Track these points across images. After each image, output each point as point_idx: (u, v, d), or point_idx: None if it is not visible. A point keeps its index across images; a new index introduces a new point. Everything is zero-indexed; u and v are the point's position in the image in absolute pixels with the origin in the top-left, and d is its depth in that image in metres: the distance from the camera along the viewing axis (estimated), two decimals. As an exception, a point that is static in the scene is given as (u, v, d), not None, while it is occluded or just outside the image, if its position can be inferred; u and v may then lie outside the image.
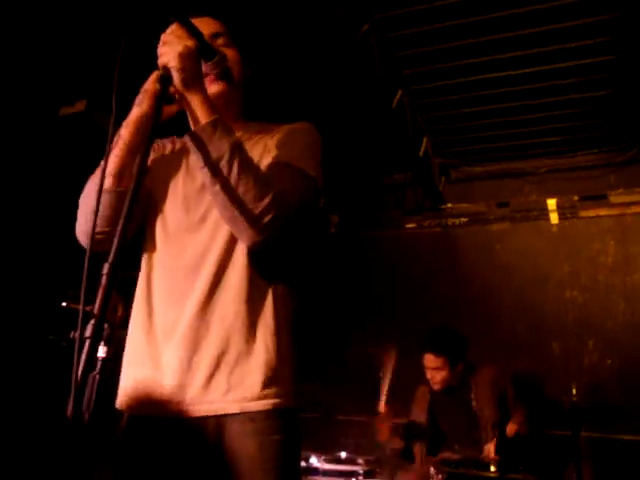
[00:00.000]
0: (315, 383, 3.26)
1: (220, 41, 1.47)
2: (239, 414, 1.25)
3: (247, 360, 1.28)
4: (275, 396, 1.28)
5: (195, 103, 1.26)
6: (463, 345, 3.48)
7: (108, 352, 0.97)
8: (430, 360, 3.41)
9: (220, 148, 1.23)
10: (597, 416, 3.51)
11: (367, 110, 3.81)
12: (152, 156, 1.52)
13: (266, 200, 1.23)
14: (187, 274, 1.33)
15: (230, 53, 1.47)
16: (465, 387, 3.41)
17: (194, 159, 1.32)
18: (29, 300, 3.30)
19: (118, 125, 1.33)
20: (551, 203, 4.71)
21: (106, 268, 0.96)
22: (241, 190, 1.22)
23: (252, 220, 1.24)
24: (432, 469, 2.87)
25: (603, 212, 4.59)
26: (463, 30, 3.42)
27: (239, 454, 1.23)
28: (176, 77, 1.22)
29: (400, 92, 3.85)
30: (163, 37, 1.25)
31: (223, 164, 1.22)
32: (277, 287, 1.36)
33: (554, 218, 4.71)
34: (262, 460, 1.23)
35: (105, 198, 1.30)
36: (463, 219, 5.00)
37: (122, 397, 1.35)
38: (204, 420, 1.25)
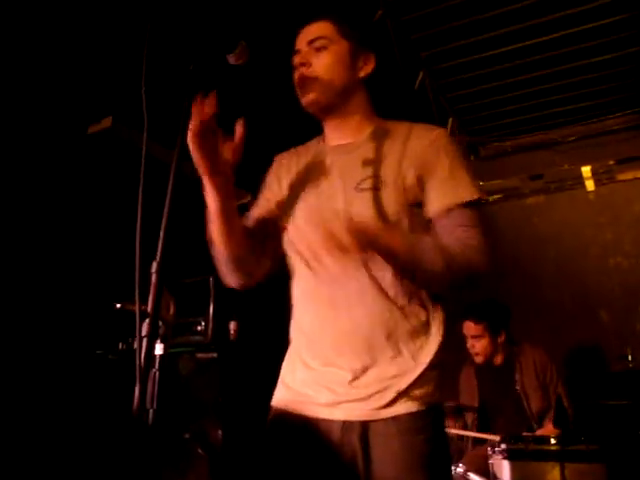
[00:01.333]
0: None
1: (316, 45, 1.44)
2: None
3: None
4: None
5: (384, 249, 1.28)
6: (504, 313, 3.43)
7: (165, 349, 1.00)
8: (470, 327, 3.36)
9: (428, 255, 1.30)
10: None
11: (390, 95, 3.78)
12: (274, 171, 1.59)
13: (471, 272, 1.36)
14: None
15: (321, 57, 1.43)
16: (509, 368, 3.34)
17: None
18: (75, 312, 3.39)
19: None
20: (586, 170, 4.61)
21: (155, 267, 0.98)
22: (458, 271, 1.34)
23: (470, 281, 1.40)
24: (489, 449, 2.83)
25: (641, 174, 4.48)
26: (477, 5, 3.38)
27: (384, 455, 1.26)
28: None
29: (421, 74, 3.83)
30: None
31: (436, 262, 1.30)
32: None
33: (590, 185, 4.61)
34: (408, 460, 1.25)
35: (229, 265, 1.43)
36: (497, 196, 4.94)
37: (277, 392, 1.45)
38: (350, 422, 1.30)
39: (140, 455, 0.93)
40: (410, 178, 1.36)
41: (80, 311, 3.42)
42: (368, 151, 1.42)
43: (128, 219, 1.15)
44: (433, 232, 1.37)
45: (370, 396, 1.28)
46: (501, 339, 3.36)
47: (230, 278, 1.47)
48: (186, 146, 1.19)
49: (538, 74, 4.03)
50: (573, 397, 3.30)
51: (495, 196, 4.94)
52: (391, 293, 1.34)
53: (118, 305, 1.04)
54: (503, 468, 2.67)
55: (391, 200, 1.35)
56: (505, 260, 4.63)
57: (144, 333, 0.95)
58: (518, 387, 3.27)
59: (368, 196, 1.36)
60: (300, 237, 1.43)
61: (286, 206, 1.49)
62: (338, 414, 1.29)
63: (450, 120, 4.43)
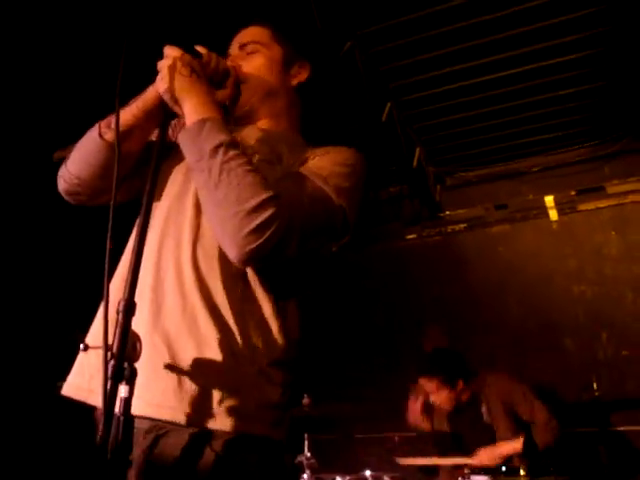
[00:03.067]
0: (333, 403, 3.23)
1: (247, 49, 1.40)
2: None
3: None
4: None
5: (185, 110, 1.17)
6: (457, 361, 3.41)
7: (129, 392, 0.95)
8: (425, 384, 3.37)
9: (202, 148, 1.11)
10: (620, 411, 3.48)
11: (357, 126, 3.83)
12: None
13: (254, 201, 1.05)
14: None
15: (251, 60, 1.38)
16: (475, 402, 3.35)
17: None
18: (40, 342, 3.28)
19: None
20: (549, 200, 4.71)
21: (122, 305, 0.95)
22: (221, 192, 1.07)
23: (233, 226, 1.06)
24: (460, 479, 2.82)
25: (601, 204, 4.60)
26: (444, 38, 3.45)
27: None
28: (163, 93, 1.19)
29: (389, 105, 3.87)
30: (158, 65, 1.21)
31: (203, 166, 1.10)
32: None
33: (553, 215, 4.71)
34: None
35: (102, 151, 1.25)
36: (462, 225, 5.00)
37: None
38: None
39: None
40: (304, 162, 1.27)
41: (43, 344, 3.31)
42: (278, 140, 1.33)
43: (98, 251, 1.11)
44: None
45: None
46: (460, 387, 3.36)
47: (75, 172, 1.28)
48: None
49: (502, 106, 4.13)
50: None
51: (461, 225, 5.01)
52: None
53: (82, 346, 0.99)
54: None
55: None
56: (471, 289, 4.68)
57: (109, 375, 0.90)
58: (486, 419, 3.28)
59: (264, 167, 1.22)
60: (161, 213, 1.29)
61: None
62: None
63: (417, 150, 4.49)
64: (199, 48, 1.26)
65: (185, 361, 1.10)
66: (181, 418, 1.06)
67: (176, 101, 1.18)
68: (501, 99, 4.04)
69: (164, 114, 1.21)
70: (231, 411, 1.08)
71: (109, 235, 0.97)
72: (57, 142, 3.48)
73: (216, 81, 1.28)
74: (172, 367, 1.10)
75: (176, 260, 1.19)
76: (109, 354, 0.93)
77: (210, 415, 1.07)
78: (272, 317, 1.17)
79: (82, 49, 2.90)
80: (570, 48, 3.55)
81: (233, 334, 1.12)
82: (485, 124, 4.35)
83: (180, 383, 1.09)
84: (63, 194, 1.35)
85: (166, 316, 1.15)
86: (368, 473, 3.20)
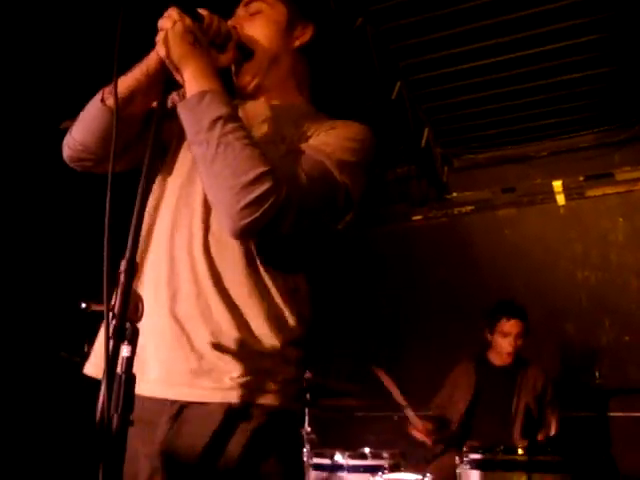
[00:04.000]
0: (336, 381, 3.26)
1: (251, 9, 1.37)
2: None
3: None
4: None
5: (185, 79, 1.16)
6: None
7: (132, 351, 0.96)
8: (517, 325, 3.45)
9: (200, 121, 1.10)
10: (621, 395, 3.49)
11: (366, 103, 3.81)
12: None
13: (250, 175, 1.05)
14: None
15: (254, 22, 1.35)
16: (513, 373, 3.45)
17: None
18: (42, 310, 3.31)
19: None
20: (557, 185, 4.68)
21: (123, 265, 0.95)
22: (218, 165, 1.07)
23: (229, 200, 1.06)
24: (457, 458, 2.84)
25: (610, 190, 4.57)
26: (456, 18, 3.42)
27: None
28: (164, 57, 1.17)
29: (399, 84, 3.85)
30: (159, 24, 1.19)
31: (201, 139, 1.09)
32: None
33: (561, 200, 4.69)
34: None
35: (106, 117, 1.23)
36: (469, 207, 4.99)
37: None
38: None
39: (103, 462, 0.90)
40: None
41: (44, 310, 3.34)
42: (286, 115, 1.32)
43: (99, 215, 1.11)
44: None
45: None
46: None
47: (79, 139, 1.28)
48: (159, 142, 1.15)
49: (513, 89, 4.09)
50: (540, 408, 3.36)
51: (467, 207, 4.99)
52: None
53: (83, 305, 0.99)
54: (471, 477, 2.68)
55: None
56: (476, 271, 4.67)
57: (110, 334, 0.91)
58: (516, 391, 3.36)
59: (269, 149, 1.20)
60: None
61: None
62: None
63: (426, 130, 4.46)
64: (201, 10, 1.24)
65: (202, 345, 1.12)
66: (208, 396, 1.09)
67: (176, 68, 1.17)
68: (511, 81, 4.00)
69: (166, 78, 1.20)
70: (254, 387, 1.10)
71: (108, 199, 0.96)
72: (65, 112, 3.48)
73: (218, 44, 1.26)
74: (190, 350, 1.12)
75: (189, 248, 1.20)
76: (111, 314, 0.94)
77: (236, 389, 1.09)
78: (283, 299, 1.18)
79: (84, 16, 2.88)
80: (581, 31, 3.51)
81: (246, 319, 1.14)
82: (494, 106, 4.31)
83: (199, 363, 1.11)
84: (68, 161, 1.35)
85: (182, 303, 1.17)
86: (367, 450, 3.24)
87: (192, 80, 1.15)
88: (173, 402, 1.12)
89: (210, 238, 1.19)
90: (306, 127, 1.28)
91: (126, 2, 1.10)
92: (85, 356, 1.27)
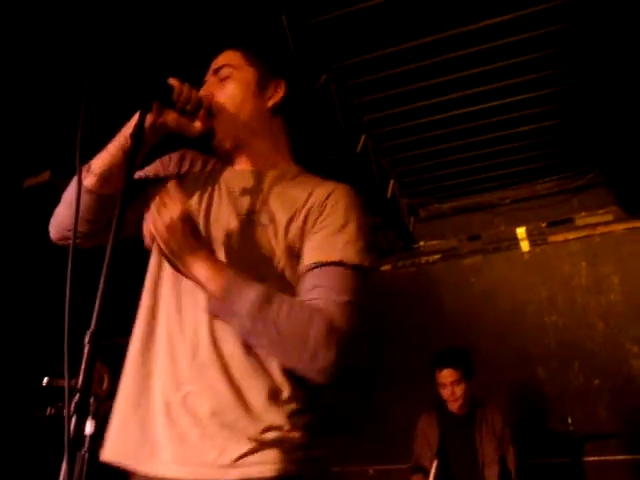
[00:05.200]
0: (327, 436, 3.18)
1: (221, 75, 1.37)
2: None
3: None
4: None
5: (196, 279, 1.14)
6: (470, 361, 3.54)
7: (95, 428, 0.93)
8: (451, 374, 3.42)
9: (245, 315, 1.11)
10: (592, 440, 3.50)
11: (332, 157, 3.87)
12: (172, 169, 1.42)
13: (312, 343, 1.10)
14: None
15: (224, 87, 1.35)
16: (471, 419, 3.41)
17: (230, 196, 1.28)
18: (10, 378, 3.18)
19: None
20: (520, 232, 4.79)
21: (88, 337, 0.92)
22: (284, 346, 1.12)
23: (311, 365, 1.11)
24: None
25: (571, 235, 4.69)
26: (418, 73, 3.53)
27: None
28: (167, 256, 1.14)
29: (363, 137, 3.92)
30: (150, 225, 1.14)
31: (256, 330, 1.12)
32: None
33: (525, 246, 4.78)
34: None
35: (85, 199, 1.21)
36: (436, 256, 5.05)
37: None
38: None
39: None
40: (299, 228, 1.25)
41: (11, 377, 3.21)
42: (269, 184, 1.32)
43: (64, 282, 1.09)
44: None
45: None
46: (471, 385, 3.45)
47: (64, 223, 1.28)
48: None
49: (474, 140, 4.22)
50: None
51: (434, 256, 5.05)
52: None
53: (45, 380, 0.96)
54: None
55: (279, 243, 1.23)
56: (444, 319, 4.69)
57: (72, 411, 0.87)
58: (477, 436, 3.32)
59: (255, 230, 1.25)
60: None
61: None
62: None
63: (391, 182, 4.54)
64: (171, 80, 1.25)
65: (208, 423, 1.13)
66: (222, 473, 1.09)
67: (181, 260, 1.14)
68: (472, 133, 4.13)
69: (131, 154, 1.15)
70: (266, 458, 1.11)
71: (69, 272, 0.95)
72: (27, 170, 3.44)
73: (189, 112, 1.27)
74: (198, 428, 1.13)
75: (195, 328, 1.20)
76: (75, 389, 0.91)
77: (247, 465, 1.10)
78: (283, 379, 1.18)
79: (51, 75, 2.89)
80: (535, 85, 3.66)
81: (244, 395, 1.15)
82: (458, 157, 4.43)
83: (211, 442, 1.12)
84: (56, 241, 1.35)
85: (184, 383, 1.17)
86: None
87: (208, 279, 1.13)
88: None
89: (215, 322, 1.19)
90: (291, 200, 1.28)
91: (94, 67, 1.10)
92: (48, 419, 1.23)
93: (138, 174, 1.39)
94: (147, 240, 1.16)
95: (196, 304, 1.21)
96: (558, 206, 4.72)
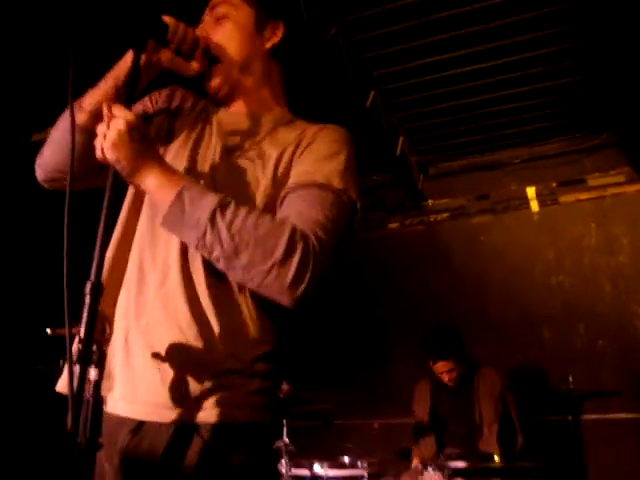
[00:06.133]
0: (313, 390, 3.25)
1: (217, 13, 1.32)
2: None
3: None
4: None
5: (149, 188, 1.10)
6: (460, 338, 3.56)
7: (99, 375, 0.95)
8: (443, 366, 3.49)
9: (197, 224, 1.05)
10: (594, 399, 3.54)
11: (340, 113, 3.82)
12: (161, 105, 1.40)
13: (280, 249, 1.04)
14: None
15: (220, 27, 1.31)
16: (467, 386, 3.47)
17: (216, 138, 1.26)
18: (16, 330, 3.25)
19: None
20: (530, 191, 4.75)
21: (88, 286, 0.94)
22: (245, 256, 1.05)
23: (273, 282, 1.05)
24: (430, 468, 2.84)
25: (582, 196, 4.64)
26: (428, 28, 3.45)
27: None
28: (114, 163, 1.07)
29: (372, 93, 3.87)
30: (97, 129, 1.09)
31: (209, 240, 1.05)
32: None
33: (535, 206, 4.75)
34: None
35: (75, 136, 1.14)
36: (445, 214, 5.03)
37: None
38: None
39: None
40: (288, 160, 1.22)
41: (20, 329, 3.28)
42: (263, 126, 1.30)
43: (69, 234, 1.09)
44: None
45: None
46: (466, 362, 3.51)
47: (51, 162, 1.26)
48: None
49: (485, 97, 4.14)
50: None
51: (443, 215, 5.03)
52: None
53: (49, 330, 0.98)
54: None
55: (266, 176, 1.20)
56: (452, 278, 4.71)
57: (75, 359, 0.90)
58: (476, 403, 3.38)
59: (243, 164, 1.23)
60: None
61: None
62: None
63: (400, 139, 4.49)
64: (166, 18, 1.21)
65: (165, 358, 1.09)
66: (166, 415, 1.07)
67: (131, 170, 1.09)
68: (484, 90, 4.05)
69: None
70: (215, 402, 1.07)
71: (66, 210, 0.96)
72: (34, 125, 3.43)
73: (185, 52, 1.24)
74: (153, 363, 1.10)
75: (165, 256, 1.18)
76: (77, 338, 0.93)
77: (195, 408, 1.07)
78: (254, 314, 1.15)
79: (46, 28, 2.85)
80: (551, 40, 3.56)
81: (213, 331, 1.11)
82: (468, 114, 4.36)
83: (162, 379, 1.09)
84: (41, 181, 1.32)
85: (147, 311, 1.15)
86: (346, 459, 3.23)
87: (158, 185, 1.09)
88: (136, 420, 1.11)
89: (188, 252, 1.16)
90: (282, 138, 1.26)
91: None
92: (60, 371, 1.25)
93: None
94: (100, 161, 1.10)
95: None
96: (569, 166, 4.65)
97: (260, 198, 1.19)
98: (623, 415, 4.04)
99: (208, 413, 1.07)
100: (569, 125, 4.51)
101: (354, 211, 1.20)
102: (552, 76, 3.92)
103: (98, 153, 1.09)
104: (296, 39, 1.44)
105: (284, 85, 1.41)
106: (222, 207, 1.06)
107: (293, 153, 1.23)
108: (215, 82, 1.31)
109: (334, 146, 1.24)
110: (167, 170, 1.12)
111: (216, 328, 1.11)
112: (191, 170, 1.24)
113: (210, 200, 1.07)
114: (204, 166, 1.25)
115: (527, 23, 3.41)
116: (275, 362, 1.17)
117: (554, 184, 4.71)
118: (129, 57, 1.16)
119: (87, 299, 0.93)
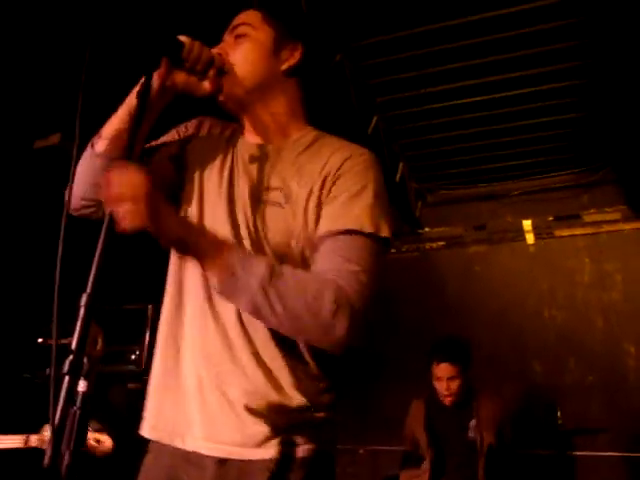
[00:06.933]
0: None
1: (237, 32, 1.33)
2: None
3: None
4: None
5: (194, 257, 1.10)
6: (470, 353, 3.46)
7: (88, 387, 0.95)
8: (448, 370, 3.33)
9: (249, 291, 1.08)
10: (582, 435, 3.52)
11: (343, 137, 3.85)
12: (191, 131, 1.42)
13: (325, 312, 1.09)
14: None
15: (239, 46, 1.31)
16: (464, 411, 3.36)
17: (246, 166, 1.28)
18: (4, 338, 3.22)
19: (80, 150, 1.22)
20: (527, 224, 4.78)
21: (84, 299, 0.94)
22: (297, 322, 1.11)
23: (326, 342, 1.13)
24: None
25: (577, 231, 4.67)
26: (434, 57, 3.49)
27: None
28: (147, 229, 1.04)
29: (375, 119, 3.91)
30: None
31: (259, 303, 1.09)
32: None
33: (530, 238, 4.78)
34: None
35: (97, 163, 1.19)
36: (441, 243, 5.05)
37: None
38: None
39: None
40: (317, 201, 1.22)
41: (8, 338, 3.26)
42: (283, 155, 1.30)
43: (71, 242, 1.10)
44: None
45: None
46: (466, 381, 3.37)
47: (76, 192, 1.23)
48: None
49: (487, 129, 4.19)
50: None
51: (439, 243, 5.05)
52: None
53: (40, 340, 0.98)
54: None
55: (297, 224, 1.21)
56: (445, 307, 4.71)
57: (65, 370, 0.90)
58: (473, 427, 3.29)
59: (273, 211, 1.23)
60: None
61: (178, 183, 1.33)
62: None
63: (400, 165, 4.53)
64: (181, 37, 1.21)
65: (238, 403, 1.16)
66: (247, 453, 1.14)
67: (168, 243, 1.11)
68: (486, 121, 4.10)
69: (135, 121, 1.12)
70: (289, 437, 1.15)
71: (62, 237, 0.96)
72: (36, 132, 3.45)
73: (198, 72, 1.23)
74: (230, 408, 1.17)
75: (223, 313, 1.22)
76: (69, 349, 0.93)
77: (270, 445, 1.14)
78: (311, 355, 1.21)
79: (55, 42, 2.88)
80: (555, 77, 3.62)
81: (279, 375, 1.18)
82: (469, 145, 4.40)
83: (240, 422, 1.15)
84: (76, 215, 1.32)
85: (215, 362, 1.20)
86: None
87: (203, 255, 1.09)
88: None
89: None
90: (308, 174, 1.25)
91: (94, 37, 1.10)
92: (45, 378, 1.25)
93: (154, 143, 1.38)
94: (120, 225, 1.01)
95: None
96: (566, 201, 4.70)
97: (296, 249, 1.21)
98: (610, 453, 4.02)
99: (284, 448, 1.14)
100: (568, 160, 4.56)
101: (386, 249, 1.24)
102: (554, 111, 3.98)
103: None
104: (305, 63, 1.45)
105: (303, 100, 1.40)
106: (271, 274, 1.09)
107: (320, 193, 1.22)
108: (223, 95, 1.30)
109: (361, 179, 1.23)
110: (211, 237, 1.12)
111: (282, 372, 1.18)
112: (231, 220, 1.25)
113: (264, 265, 1.10)
114: (240, 215, 1.25)
115: (531, 58, 3.46)
116: (335, 393, 1.25)
117: (550, 218, 4.74)
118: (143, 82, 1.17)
119: (81, 311, 0.93)
